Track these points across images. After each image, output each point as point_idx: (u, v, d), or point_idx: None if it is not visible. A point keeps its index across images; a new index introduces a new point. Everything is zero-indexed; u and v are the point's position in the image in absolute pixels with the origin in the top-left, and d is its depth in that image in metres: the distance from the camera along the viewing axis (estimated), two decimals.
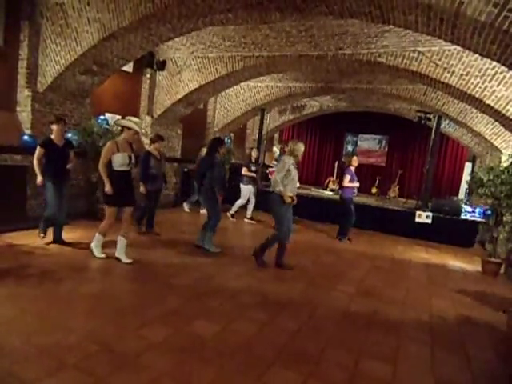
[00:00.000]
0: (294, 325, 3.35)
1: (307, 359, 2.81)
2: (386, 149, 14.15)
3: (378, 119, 13.11)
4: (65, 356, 2.47)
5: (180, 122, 9.39)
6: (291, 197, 4.75)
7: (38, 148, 4.71)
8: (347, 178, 7.11)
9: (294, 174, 4.78)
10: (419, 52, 6.03)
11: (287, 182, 4.74)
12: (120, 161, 4.30)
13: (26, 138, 5.75)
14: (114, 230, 4.60)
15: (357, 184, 7.21)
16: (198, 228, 5.56)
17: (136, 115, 8.36)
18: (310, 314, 3.66)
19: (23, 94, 5.88)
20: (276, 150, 13.17)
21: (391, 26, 5.54)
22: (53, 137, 4.80)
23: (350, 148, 14.64)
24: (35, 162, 4.71)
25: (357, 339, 3.22)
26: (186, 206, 8.53)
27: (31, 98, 5.86)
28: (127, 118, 4.61)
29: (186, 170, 9.52)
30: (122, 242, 4.51)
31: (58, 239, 4.94)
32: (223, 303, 3.67)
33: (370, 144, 14.27)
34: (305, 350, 2.93)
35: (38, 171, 4.70)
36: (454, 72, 5.91)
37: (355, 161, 7.21)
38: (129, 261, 4.46)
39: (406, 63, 6.21)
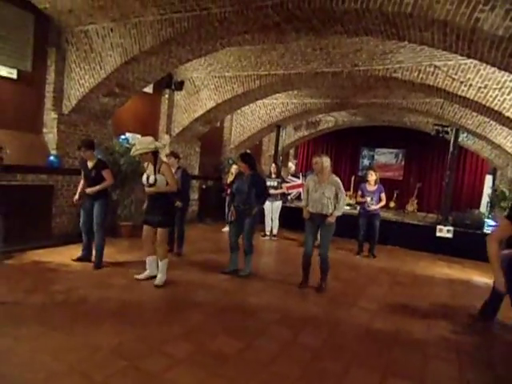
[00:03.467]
0: (317, 342, 3.33)
1: (332, 378, 2.77)
2: (403, 162, 14.03)
3: (395, 133, 13.06)
4: (93, 372, 2.52)
5: (198, 140, 9.58)
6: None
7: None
8: (358, 193, 7.18)
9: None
10: (435, 66, 6.05)
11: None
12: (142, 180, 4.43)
13: (51, 158, 5.97)
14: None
15: (365, 199, 7.03)
16: (217, 245, 5.60)
17: (155, 134, 8.58)
18: (332, 331, 3.62)
19: (50, 117, 6.14)
20: (291, 165, 13.24)
21: (406, 42, 5.61)
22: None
23: (366, 162, 14.58)
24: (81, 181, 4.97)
25: (381, 357, 3.17)
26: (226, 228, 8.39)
27: (57, 120, 6.11)
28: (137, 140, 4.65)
29: (204, 186, 9.65)
30: (151, 260, 4.57)
31: (83, 257, 5.01)
32: (245, 320, 3.68)
33: (386, 158, 14.18)
34: (329, 369, 2.90)
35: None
36: (471, 85, 5.90)
37: (371, 175, 7.09)
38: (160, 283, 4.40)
39: (421, 78, 6.24)
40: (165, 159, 5.95)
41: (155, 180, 4.27)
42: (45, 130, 6.20)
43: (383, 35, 4.50)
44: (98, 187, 4.77)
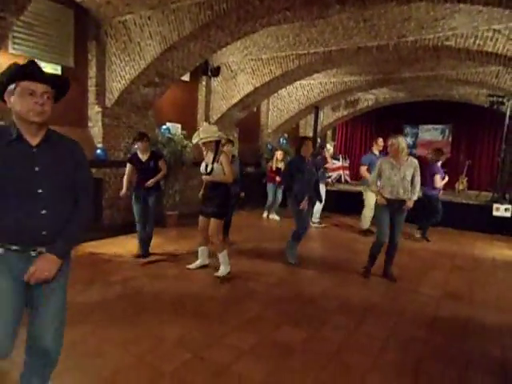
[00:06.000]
0: (382, 332, 3.16)
1: (404, 369, 2.61)
2: (450, 139, 13.21)
3: (440, 108, 12.26)
4: (161, 364, 2.51)
5: (236, 126, 9.46)
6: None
7: (127, 164, 4.90)
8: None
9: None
10: (495, 30, 5.51)
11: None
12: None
13: (98, 151, 6.07)
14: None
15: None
16: (263, 232, 5.50)
17: (194, 122, 8.56)
18: (397, 320, 3.43)
19: (94, 111, 6.23)
20: (330, 147, 12.86)
21: (462, 6, 5.13)
22: (138, 152, 4.87)
23: (409, 141, 13.86)
24: (125, 177, 4.89)
25: (454, 348, 2.96)
26: (273, 215, 8.29)
27: (101, 113, 6.18)
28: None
29: (243, 172, 9.54)
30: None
31: (143, 254, 4.90)
32: (303, 308, 3.57)
33: (431, 135, 13.39)
34: (400, 360, 2.73)
35: (123, 184, 4.89)
36: None
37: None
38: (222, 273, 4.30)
39: (479, 44, 5.72)
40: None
41: (212, 169, 4.19)
42: (90, 124, 6.31)
43: None
44: (156, 178, 4.80)
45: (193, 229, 6.84)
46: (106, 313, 3.26)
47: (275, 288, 4.09)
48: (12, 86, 1.64)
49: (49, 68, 5.61)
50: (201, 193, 4.54)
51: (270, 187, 8.10)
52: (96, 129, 6.25)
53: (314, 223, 7.67)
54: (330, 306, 3.67)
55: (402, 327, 3.29)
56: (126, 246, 5.18)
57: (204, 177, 4.29)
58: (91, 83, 6.21)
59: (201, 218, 4.38)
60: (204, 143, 4.19)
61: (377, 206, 4.54)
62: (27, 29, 5.27)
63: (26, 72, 1.63)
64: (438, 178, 6.57)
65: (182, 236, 6.26)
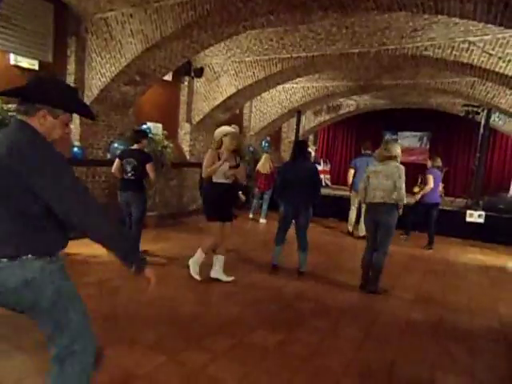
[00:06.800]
0: (357, 333, 3.20)
1: (378, 372, 2.65)
2: (428, 146, 13.58)
3: (418, 115, 12.59)
4: (134, 367, 2.46)
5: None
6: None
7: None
8: None
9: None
10: (470, 42, 5.70)
11: None
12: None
13: (75, 149, 5.93)
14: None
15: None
16: (245, 236, 5.50)
17: (176, 123, 8.49)
18: (372, 321, 3.49)
19: None
20: (311, 151, 12.99)
21: (440, 17, 5.29)
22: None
23: None
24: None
25: (426, 350, 3.03)
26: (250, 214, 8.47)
27: None
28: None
29: None
30: (220, 260, 4.24)
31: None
32: (281, 311, 3.58)
33: (410, 141, 13.73)
34: (373, 362, 2.77)
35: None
36: (510, 61, 5.54)
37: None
38: (230, 279, 4.22)
39: (455, 55, 5.89)
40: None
41: (238, 165, 4.16)
42: None
43: (418, 9, 4.22)
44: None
45: (171, 230, 6.82)
46: None
47: (252, 290, 4.08)
48: (60, 111, 1.57)
49: (25, 63, 5.46)
50: (214, 198, 4.16)
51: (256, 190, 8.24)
52: (73, 126, 6.10)
53: None
54: (306, 307, 3.70)
55: (376, 330, 3.35)
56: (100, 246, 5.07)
57: (229, 172, 4.05)
58: (70, 80, 6.06)
59: (218, 223, 4.17)
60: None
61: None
62: (4, 22, 5.11)
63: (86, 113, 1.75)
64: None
65: (161, 237, 6.18)
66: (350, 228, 7.52)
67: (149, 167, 4.62)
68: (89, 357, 1.66)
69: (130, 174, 4.63)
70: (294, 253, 4.79)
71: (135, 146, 4.78)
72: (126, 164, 4.64)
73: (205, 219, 4.25)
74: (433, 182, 6.71)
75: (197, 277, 4.19)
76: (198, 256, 4.22)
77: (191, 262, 4.25)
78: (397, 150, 4.16)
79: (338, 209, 8.94)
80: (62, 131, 1.61)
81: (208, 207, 4.17)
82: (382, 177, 4.09)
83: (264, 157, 8.35)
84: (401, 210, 4.11)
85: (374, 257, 4.18)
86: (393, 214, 4.08)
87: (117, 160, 4.83)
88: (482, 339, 3.32)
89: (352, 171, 7.19)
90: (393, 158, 4.12)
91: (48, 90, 1.55)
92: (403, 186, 4.05)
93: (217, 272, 4.22)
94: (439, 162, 7.08)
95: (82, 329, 1.65)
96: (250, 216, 8.46)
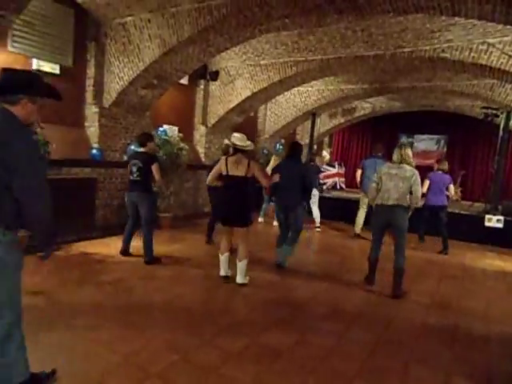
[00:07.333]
0: (371, 337, 3.18)
1: (391, 376, 2.63)
2: (445, 149, 13.37)
3: (436, 118, 12.43)
4: (148, 365, 2.51)
5: (233, 131, 9.50)
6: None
7: None
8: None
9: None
10: (489, 44, 5.61)
11: None
12: None
13: (94, 151, 6.08)
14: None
15: None
16: (256, 237, 5.52)
17: (191, 125, 8.60)
18: (386, 326, 3.46)
19: (91, 111, 6.24)
20: (326, 154, 12.92)
21: (457, 19, 5.22)
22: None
23: None
24: None
25: (441, 356, 2.99)
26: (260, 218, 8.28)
27: (98, 113, 6.20)
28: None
29: None
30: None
31: (123, 251, 4.97)
32: (292, 313, 3.59)
33: (426, 144, 13.55)
34: (387, 366, 2.75)
35: None
36: None
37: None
38: (246, 280, 4.22)
39: (473, 57, 5.81)
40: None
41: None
42: (86, 124, 6.32)
43: (435, 11, 4.19)
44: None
45: (186, 231, 6.89)
46: (96, 313, 3.26)
47: (265, 291, 4.10)
48: (37, 98, 1.94)
49: (47, 67, 5.63)
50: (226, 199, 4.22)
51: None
52: (93, 129, 6.26)
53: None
54: (319, 310, 3.70)
55: (390, 334, 3.32)
56: (118, 246, 5.17)
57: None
58: (89, 83, 6.23)
59: (225, 228, 4.29)
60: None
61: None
62: (27, 27, 5.29)
63: (55, 95, 2.05)
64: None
65: (176, 238, 6.26)
66: (357, 230, 7.41)
67: (153, 168, 4.73)
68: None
69: (135, 175, 4.74)
70: (307, 255, 4.79)
71: (142, 149, 4.88)
72: (132, 166, 4.76)
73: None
74: (429, 186, 6.63)
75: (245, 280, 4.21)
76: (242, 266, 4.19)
77: (240, 274, 4.19)
78: (411, 153, 4.26)
79: (346, 212, 8.85)
80: (37, 115, 1.98)
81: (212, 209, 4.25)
82: (397, 179, 4.11)
83: (273, 158, 8.31)
84: (410, 213, 4.21)
85: (394, 262, 4.23)
86: (406, 217, 4.19)
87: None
88: (499, 346, 3.26)
89: (359, 171, 7.22)
90: (409, 161, 4.15)
91: (23, 81, 1.91)
92: (420, 190, 4.15)
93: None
94: (445, 166, 6.97)
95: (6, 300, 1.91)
96: (259, 220, 8.19)
